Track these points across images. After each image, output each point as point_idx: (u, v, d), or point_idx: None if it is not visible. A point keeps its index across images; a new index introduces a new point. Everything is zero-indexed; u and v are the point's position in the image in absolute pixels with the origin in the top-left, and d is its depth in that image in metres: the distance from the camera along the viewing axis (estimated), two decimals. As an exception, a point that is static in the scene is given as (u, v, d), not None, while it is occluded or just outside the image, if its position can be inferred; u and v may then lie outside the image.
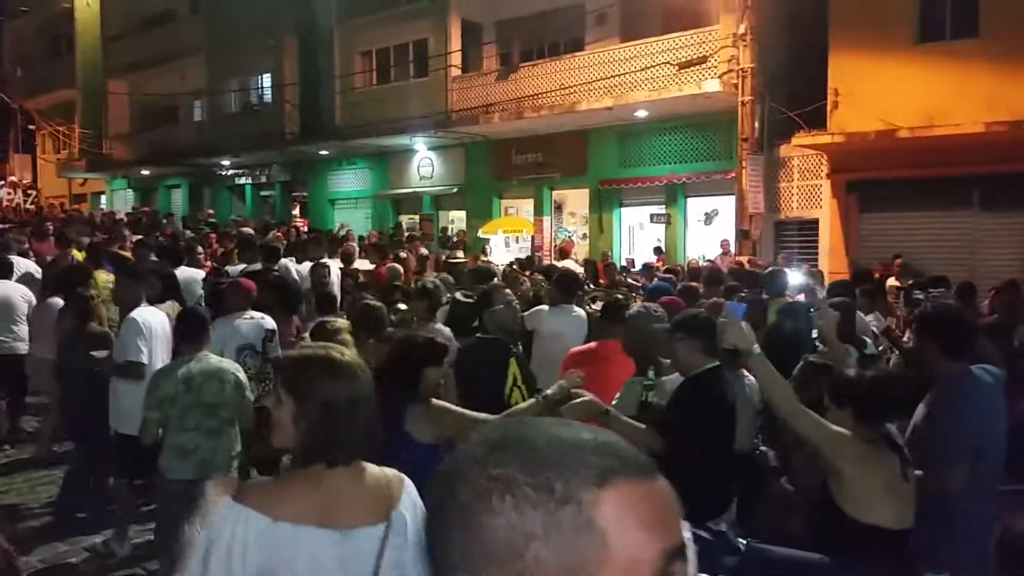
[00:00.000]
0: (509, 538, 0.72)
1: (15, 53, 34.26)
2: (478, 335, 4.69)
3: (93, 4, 29.53)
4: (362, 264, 10.00)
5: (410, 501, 1.97)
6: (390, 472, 2.03)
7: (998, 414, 3.40)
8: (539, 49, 17.58)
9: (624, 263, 14.57)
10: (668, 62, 14.28)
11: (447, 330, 5.04)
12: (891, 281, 10.70)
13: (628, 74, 14.73)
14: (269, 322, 5.77)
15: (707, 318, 3.57)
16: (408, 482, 2.02)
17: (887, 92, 12.00)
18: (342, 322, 4.54)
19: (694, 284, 7.20)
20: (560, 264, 10.63)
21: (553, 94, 15.78)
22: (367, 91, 20.25)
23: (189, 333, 4.56)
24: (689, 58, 14.09)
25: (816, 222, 13.99)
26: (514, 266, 11.08)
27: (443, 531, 0.77)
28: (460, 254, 13.50)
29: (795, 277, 7.14)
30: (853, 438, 2.89)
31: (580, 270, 9.66)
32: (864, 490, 2.86)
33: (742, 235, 13.78)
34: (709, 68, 13.86)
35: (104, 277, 7.71)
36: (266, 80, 23.57)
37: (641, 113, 15.08)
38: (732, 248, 13.92)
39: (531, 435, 0.78)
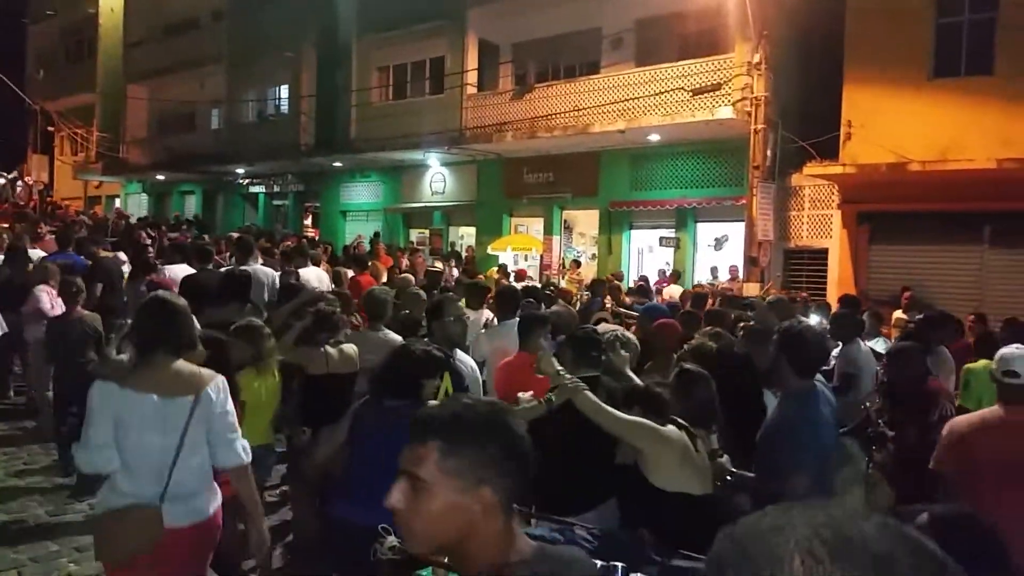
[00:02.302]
0: None
1: (38, 56, 34.76)
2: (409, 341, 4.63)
3: (117, 10, 29.93)
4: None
5: (216, 388, 3.24)
6: (206, 371, 3.29)
7: (834, 424, 3.84)
8: (555, 71, 17.71)
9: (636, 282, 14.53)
10: (682, 88, 14.36)
11: (397, 337, 5.25)
12: (898, 314, 10.69)
13: (642, 98, 14.82)
14: None
15: (584, 333, 4.27)
16: (221, 379, 3.30)
17: (900, 125, 12.05)
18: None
19: (696, 311, 7.23)
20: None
21: (567, 115, 15.86)
22: (383, 106, 20.43)
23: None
24: (703, 85, 14.17)
25: (826, 252, 13.99)
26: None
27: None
28: (438, 264, 13.62)
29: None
30: (645, 422, 3.49)
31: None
32: (664, 463, 3.44)
33: (751, 262, 13.79)
34: (723, 95, 13.93)
35: None
36: (283, 91, 23.81)
37: (654, 137, 15.16)
38: (740, 274, 13.96)
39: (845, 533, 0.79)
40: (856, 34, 12.64)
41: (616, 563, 2.75)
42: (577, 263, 16.49)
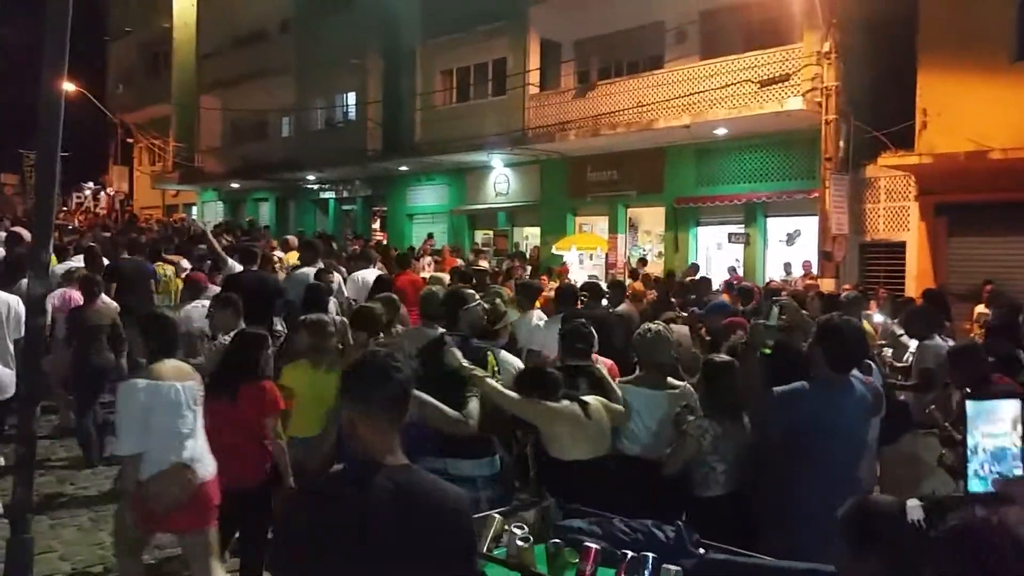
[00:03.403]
0: None
1: (118, 71, 36.17)
2: (442, 331, 4.83)
3: (190, 23, 30.88)
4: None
5: (196, 375, 4.23)
6: (188, 366, 4.26)
7: (851, 415, 3.79)
8: (617, 67, 17.55)
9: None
10: (749, 80, 14.05)
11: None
12: (979, 308, 10.23)
13: (707, 92, 14.56)
14: None
15: (572, 326, 4.77)
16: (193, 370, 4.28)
17: (979, 112, 11.53)
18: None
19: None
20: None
21: (630, 112, 15.70)
22: (446, 109, 20.59)
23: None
24: (771, 76, 13.83)
25: (903, 245, 13.51)
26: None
27: None
28: (483, 263, 13.67)
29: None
30: (537, 401, 4.07)
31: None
32: (556, 436, 4.07)
33: (825, 257, 13.41)
34: (791, 86, 13.58)
35: (161, 270, 10.13)
36: (351, 98, 24.19)
37: (720, 131, 14.88)
38: (815, 269, 13.60)
39: None
40: (931, 17, 12.16)
41: (647, 553, 2.78)
42: (644, 261, 16.30)
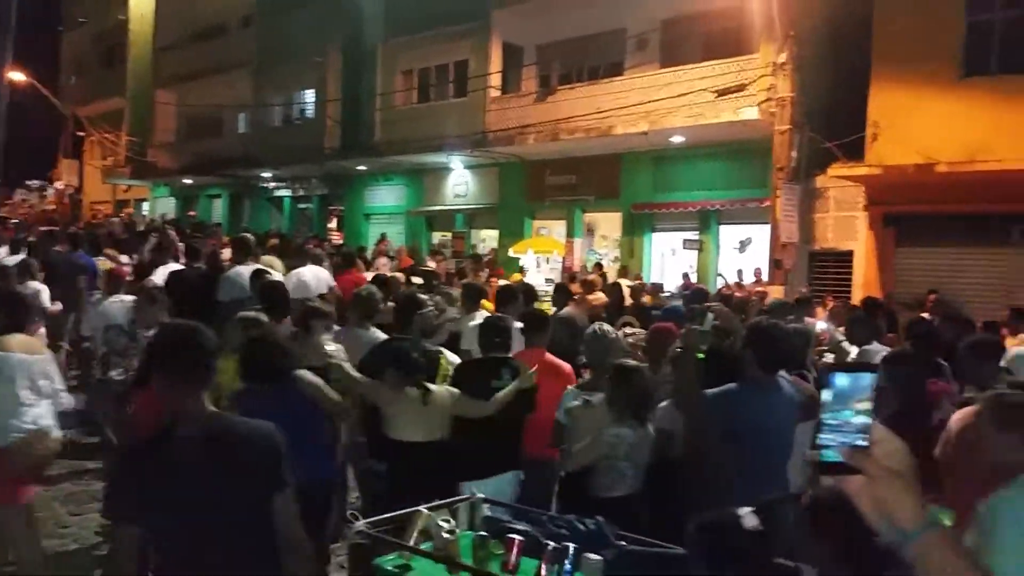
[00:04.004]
0: None
1: (71, 62, 35.39)
2: (392, 336, 5.14)
3: (147, 15, 30.37)
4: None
5: (46, 349, 4.75)
6: (38, 342, 4.79)
7: (780, 414, 3.94)
8: (578, 72, 17.63)
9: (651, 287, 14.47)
10: (706, 89, 14.23)
11: (378, 333, 5.53)
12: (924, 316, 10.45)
13: (666, 99, 14.70)
14: None
15: (488, 321, 5.16)
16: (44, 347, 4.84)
17: (928, 126, 11.80)
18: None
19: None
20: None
21: (589, 117, 15.78)
22: (407, 109, 20.50)
23: None
24: (727, 86, 14.02)
25: (851, 254, 13.77)
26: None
27: None
28: (431, 264, 13.77)
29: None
30: (382, 384, 4.37)
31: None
32: (392, 417, 4.37)
33: (775, 264, 13.62)
34: (747, 96, 13.78)
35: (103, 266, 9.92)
36: (309, 95, 23.98)
37: (677, 139, 15.03)
38: (764, 277, 13.79)
39: None
40: (884, 33, 12.42)
41: (568, 543, 2.86)
42: (599, 266, 16.37)
